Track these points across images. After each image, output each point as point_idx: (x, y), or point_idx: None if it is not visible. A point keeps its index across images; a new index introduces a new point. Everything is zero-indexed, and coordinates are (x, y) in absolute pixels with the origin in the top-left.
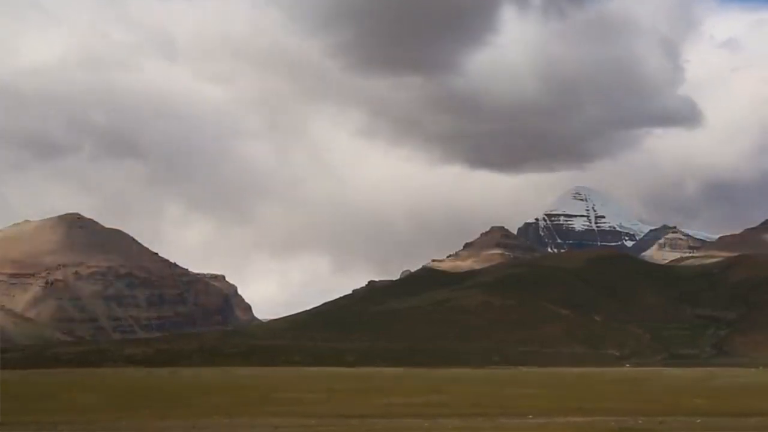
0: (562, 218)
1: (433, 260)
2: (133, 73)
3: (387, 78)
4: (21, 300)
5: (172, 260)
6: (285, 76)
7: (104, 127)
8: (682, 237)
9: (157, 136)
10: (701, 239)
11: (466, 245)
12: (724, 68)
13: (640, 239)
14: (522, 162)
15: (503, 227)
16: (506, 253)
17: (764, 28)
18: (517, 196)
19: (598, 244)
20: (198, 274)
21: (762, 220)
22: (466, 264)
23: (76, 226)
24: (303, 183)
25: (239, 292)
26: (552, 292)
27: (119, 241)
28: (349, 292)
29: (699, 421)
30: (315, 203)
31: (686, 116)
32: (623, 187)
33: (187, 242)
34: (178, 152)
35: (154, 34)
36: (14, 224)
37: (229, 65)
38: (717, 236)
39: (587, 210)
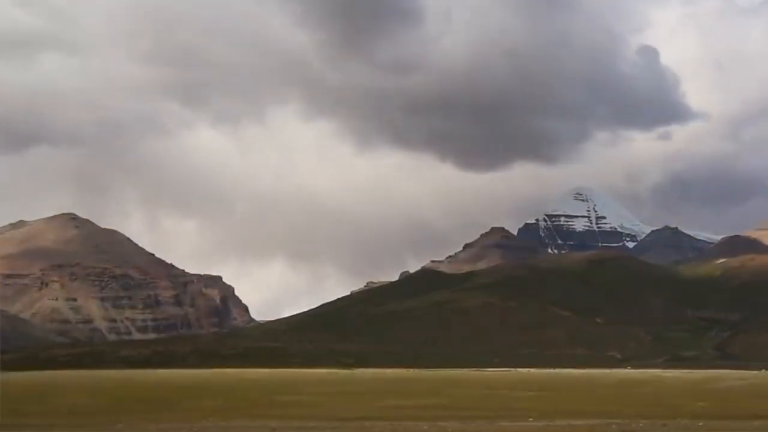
0: (562, 219)
1: (433, 261)
2: None
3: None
4: (16, 301)
5: (168, 261)
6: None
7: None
8: (684, 238)
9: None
10: (703, 240)
11: (466, 246)
12: (705, 55)
13: (642, 240)
14: (506, 160)
15: (503, 228)
16: (506, 254)
17: None
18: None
19: (599, 245)
20: (195, 275)
21: (765, 221)
22: (466, 265)
23: (71, 226)
24: (299, 185)
25: (236, 293)
26: (553, 293)
27: (115, 242)
28: (348, 293)
29: (701, 424)
30: (312, 204)
31: (674, 111)
32: (610, 185)
33: (184, 243)
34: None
35: None
36: (9, 224)
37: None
38: (719, 237)
39: (588, 211)
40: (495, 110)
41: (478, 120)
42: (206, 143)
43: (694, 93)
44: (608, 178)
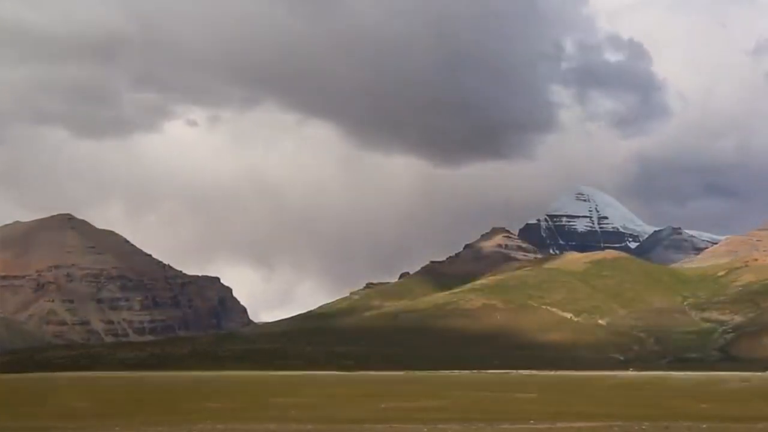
0: (564, 219)
1: (432, 261)
2: None
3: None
4: (11, 303)
5: (165, 262)
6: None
7: None
8: (687, 238)
9: None
10: (707, 240)
11: (467, 246)
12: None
13: (644, 241)
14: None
15: (504, 228)
16: (507, 254)
17: None
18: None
19: (601, 245)
20: (192, 276)
21: None
22: (467, 265)
23: (67, 226)
24: (296, 187)
25: (234, 294)
26: (554, 294)
27: (112, 242)
28: (347, 294)
29: (705, 426)
30: (310, 204)
31: (656, 103)
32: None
33: (181, 243)
34: None
35: None
36: (4, 225)
37: None
38: (723, 237)
39: (590, 211)
40: (462, 103)
41: (454, 114)
42: (190, 140)
43: (674, 77)
44: (600, 174)
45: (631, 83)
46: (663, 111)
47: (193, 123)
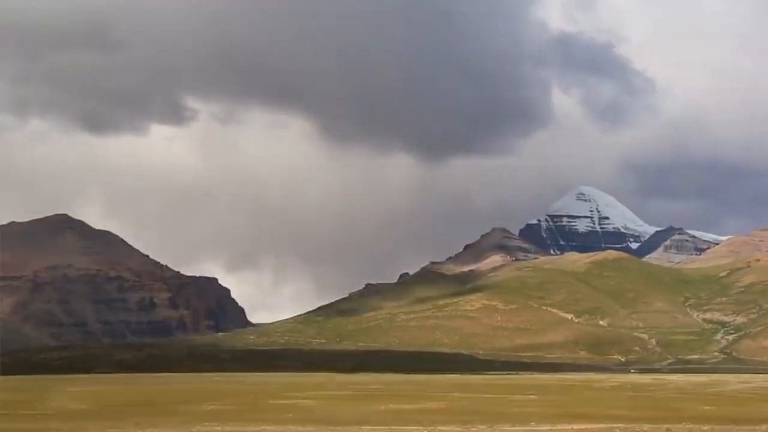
0: (565, 219)
1: (432, 262)
2: None
3: None
4: (8, 303)
5: (163, 262)
6: None
7: None
8: (689, 239)
9: None
10: (709, 241)
11: (467, 247)
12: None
13: (645, 241)
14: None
15: (504, 228)
16: (508, 255)
17: None
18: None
19: (602, 246)
20: (190, 276)
21: None
22: (467, 266)
23: (64, 227)
24: (294, 187)
25: (233, 295)
26: (555, 295)
27: (109, 243)
28: (346, 295)
29: (707, 428)
30: (308, 204)
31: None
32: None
33: (178, 243)
34: None
35: None
36: (0, 225)
37: None
38: (725, 238)
39: (591, 211)
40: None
41: (448, 112)
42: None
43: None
44: (597, 171)
45: (613, 75)
46: (648, 105)
47: (219, 119)
